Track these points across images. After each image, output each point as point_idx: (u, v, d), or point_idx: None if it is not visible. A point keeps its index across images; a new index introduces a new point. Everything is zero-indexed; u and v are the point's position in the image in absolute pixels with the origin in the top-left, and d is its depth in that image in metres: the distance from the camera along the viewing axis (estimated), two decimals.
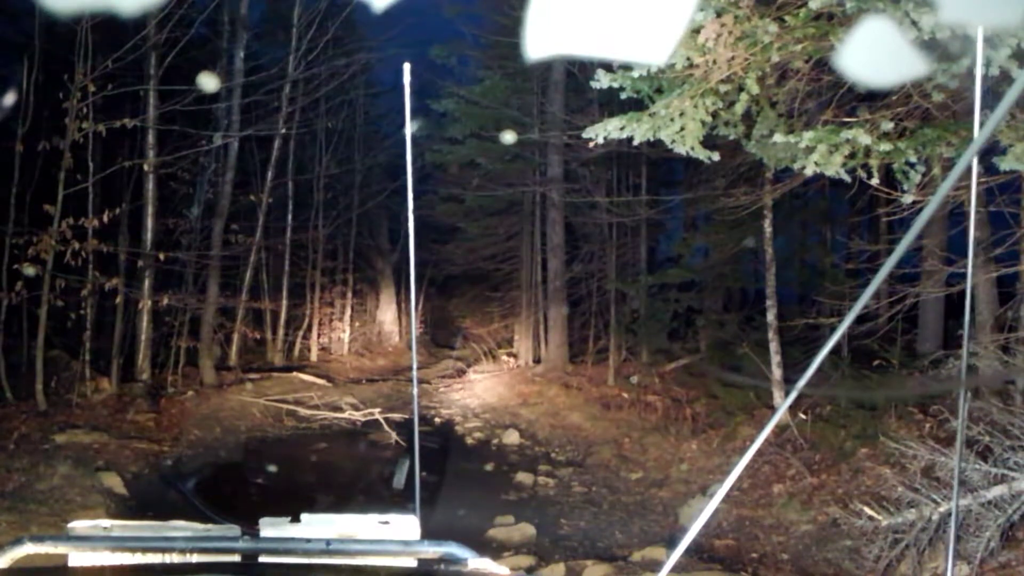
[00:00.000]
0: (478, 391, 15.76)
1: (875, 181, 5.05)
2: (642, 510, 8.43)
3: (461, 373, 18.17)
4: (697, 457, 9.76)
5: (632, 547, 7.08)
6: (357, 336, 20.59)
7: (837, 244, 14.08)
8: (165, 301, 12.19)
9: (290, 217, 17.02)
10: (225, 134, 13.56)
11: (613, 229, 15.75)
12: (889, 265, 0.97)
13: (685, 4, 0.59)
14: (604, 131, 5.19)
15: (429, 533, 1.51)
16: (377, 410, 11.81)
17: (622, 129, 5.16)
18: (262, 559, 1.44)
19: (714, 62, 4.74)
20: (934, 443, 5.88)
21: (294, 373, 14.91)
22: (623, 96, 5.19)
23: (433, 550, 1.43)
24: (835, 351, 9.84)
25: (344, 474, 10.01)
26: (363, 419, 11.83)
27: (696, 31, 4.48)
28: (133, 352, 12.33)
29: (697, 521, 1.03)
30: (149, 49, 11.30)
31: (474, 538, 6.95)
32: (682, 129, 5.15)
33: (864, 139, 4.62)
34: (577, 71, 13.38)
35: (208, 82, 10.97)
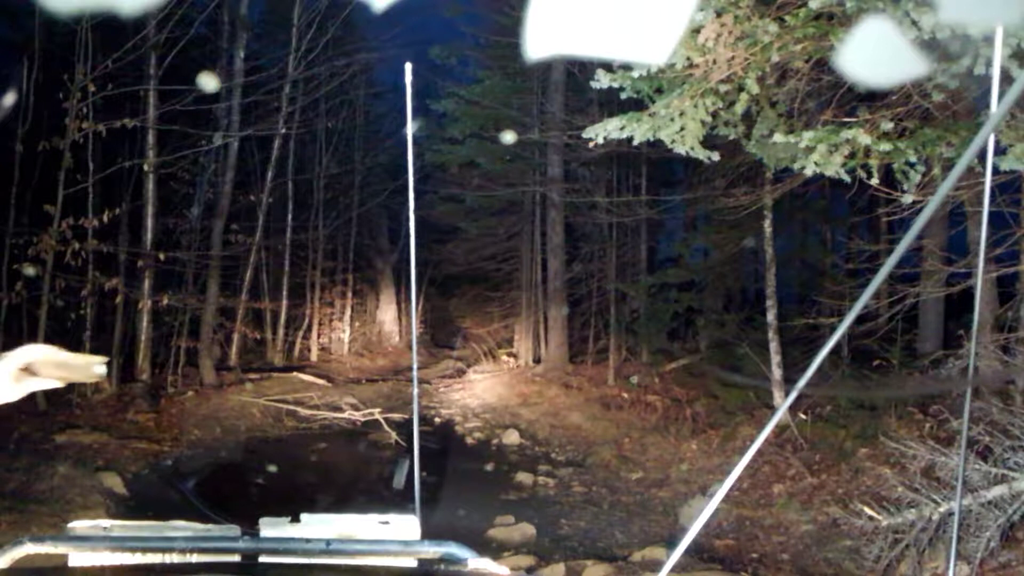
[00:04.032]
0: (478, 391, 15.76)
1: (875, 181, 5.05)
2: (642, 510, 8.42)
3: (461, 373, 18.17)
4: (697, 457, 9.76)
5: (632, 547, 7.08)
6: (357, 336, 20.59)
7: (837, 244, 14.10)
8: (165, 301, 12.18)
9: (290, 217, 17.02)
10: (225, 134, 13.56)
11: (613, 229, 15.75)
12: (889, 265, 0.97)
13: (685, 4, 0.59)
14: (604, 131, 5.20)
15: (429, 533, 1.51)
16: (377, 410, 11.81)
17: (622, 129, 5.17)
18: (262, 559, 1.44)
19: (714, 62, 4.74)
20: (934, 443, 5.88)
21: (294, 373, 14.91)
22: (623, 96, 5.19)
23: (433, 550, 1.43)
24: (835, 351, 9.84)
25: (344, 474, 10.01)
26: (363, 419, 11.83)
27: (696, 31, 4.48)
28: (133, 352, 12.33)
29: (697, 521, 1.03)
30: (149, 49, 11.29)
31: (474, 538, 6.95)
32: (682, 129, 5.15)
33: (864, 139, 4.62)
34: (577, 71, 13.37)
35: (208, 82, 10.96)
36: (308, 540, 1.43)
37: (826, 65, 4.99)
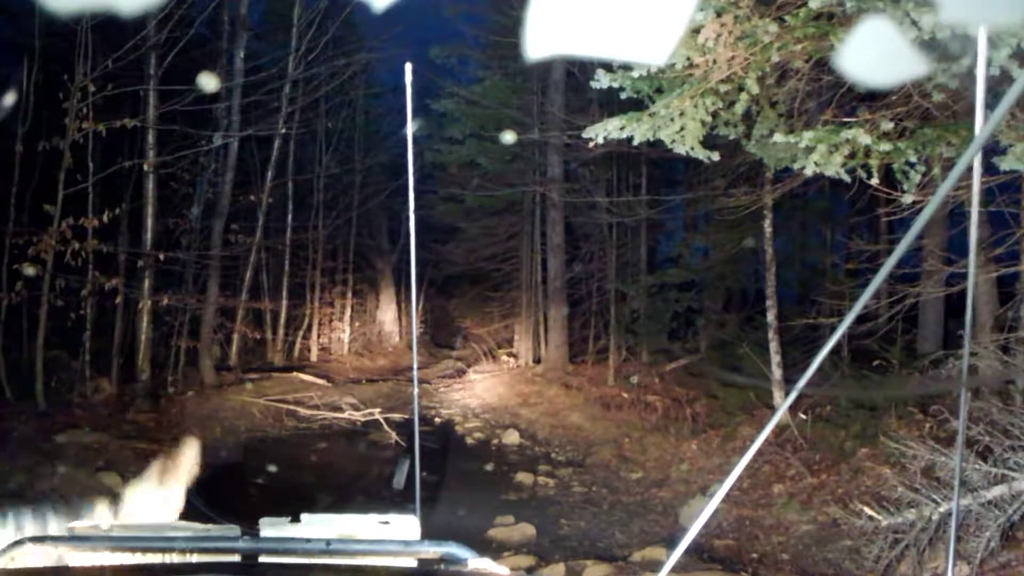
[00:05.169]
0: (478, 391, 15.76)
1: (875, 181, 5.04)
2: (642, 510, 8.42)
3: (461, 373, 18.17)
4: (697, 457, 9.76)
5: (632, 547, 7.08)
6: (357, 336, 20.59)
7: (837, 244, 14.08)
8: (165, 301, 12.18)
9: (290, 217, 17.02)
10: (225, 134, 13.55)
11: (613, 229, 15.75)
12: (889, 265, 0.97)
13: (685, 4, 0.59)
14: (604, 131, 5.20)
15: (429, 533, 1.51)
16: (377, 410, 11.81)
17: (622, 129, 5.17)
18: (262, 559, 1.44)
19: (714, 62, 4.74)
20: (934, 443, 5.88)
21: (294, 373, 14.91)
22: (623, 96, 5.19)
23: (433, 550, 1.43)
24: (835, 351, 9.84)
25: (344, 474, 10.01)
26: (363, 419, 11.83)
27: (696, 31, 4.48)
28: (133, 352, 12.32)
29: (697, 521, 1.03)
30: (149, 49, 11.29)
31: (474, 538, 6.94)
32: (682, 129, 5.15)
33: (864, 139, 4.62)
34: (577, 71, 13.38)
35: (208, 82, 10.96)
36: (308, 540, 1.43)
37: (826, 65, 4.99)
